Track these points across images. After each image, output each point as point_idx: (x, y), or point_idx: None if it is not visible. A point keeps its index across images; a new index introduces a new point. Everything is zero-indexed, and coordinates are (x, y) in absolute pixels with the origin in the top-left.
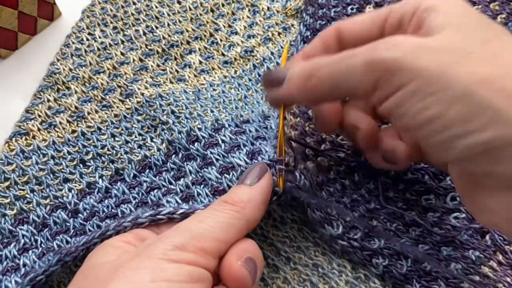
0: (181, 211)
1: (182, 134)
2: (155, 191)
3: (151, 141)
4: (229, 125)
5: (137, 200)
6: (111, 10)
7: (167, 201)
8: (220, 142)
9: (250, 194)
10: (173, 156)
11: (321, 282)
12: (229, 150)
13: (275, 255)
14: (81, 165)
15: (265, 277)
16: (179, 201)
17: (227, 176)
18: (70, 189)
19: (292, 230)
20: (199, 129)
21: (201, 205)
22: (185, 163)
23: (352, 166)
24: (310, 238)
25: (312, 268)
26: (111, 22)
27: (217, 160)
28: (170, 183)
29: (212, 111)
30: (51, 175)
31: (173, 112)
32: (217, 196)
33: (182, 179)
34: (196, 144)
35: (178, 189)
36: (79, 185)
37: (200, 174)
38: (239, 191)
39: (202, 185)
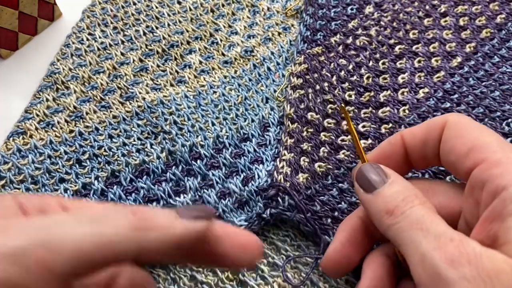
0: None
1: (185, 147)
2: (154, 203)
3: (151, 147)
4: (230, 144)
5: None
6: (112, 10)
7: None
8: (221, 164)
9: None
10: (173, 167)
11: (321, 281)
12: (228, 175)
13: (275, 253)
14: (77, 165)
15: (266, 276)
16: None
17: (223, 201)
18: (65, 190)
19: (292, 229)
20: (202, 146)
21: None
22: (186, 177)
23: (352, 167)
24: (310, 237)
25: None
26: (111, 22)
27: (217, 183)
28: (170, 196)
29: (213, 124)
30: (47, 175)
31: (175, 122)
32: None
33: (182, 195)
34: (198, 161)
35: (178, 206)
36: (75, 185)
37: (199, 194)
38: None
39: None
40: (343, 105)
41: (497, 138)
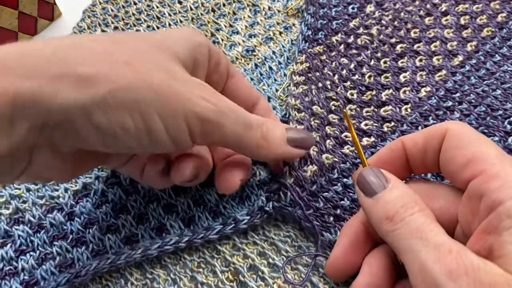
0: (186, 239)
1: None
2: (155, 203)
3: None
4: None
5: (136, 210)
6: (112, 10)
7: (171, 226)
8: None
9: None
10: None
11: (321, 282)
12: None
13: (276, 254)
14: None
15: (266, 277)
16: (182, 226)
17: (224, 197)
18: (66, 190)
19: (293, 229)
20: None
21: (201, 229)
22: None
23: (357, 163)
24: (311, 238)
25: (313, 268)
26: (112, 22)
27: None
28: (170, 196)
29: None
30: None
31: None
32: (216, 219)
33: (182, 195)
34: None
35: (179, 208)
36: (75, 185)
37: (200, 193)
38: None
39: (202, 207)
40: (345, 110)
41: (496, 150)
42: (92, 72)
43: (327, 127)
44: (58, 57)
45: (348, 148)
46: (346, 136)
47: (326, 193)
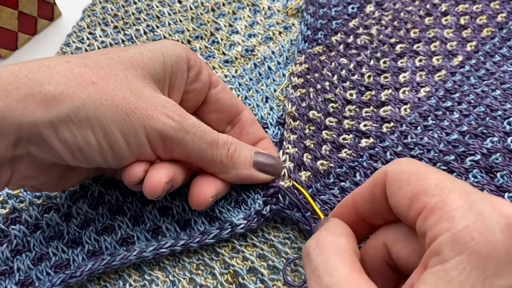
0: (181, 242)
1: None
2: (150, 205)
3: None
4: None
5: (132, 212)
6: (112, 10)
7: (167, 228)
8: None
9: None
10: None
11: None
12: None
13: (275, 256)
14: None
15: (266, 279)
16: (178, 229)
17: (220, 203)
18: (63, 190)
19: (293, 231)
20: None
21: (198, 233)
22: None
23: (354, 166)
24: None
25: None
26: (112, 22)
27: None
28: (165, 199)
29: None
30: None
31: None
32: (212, 223)
33: (177, 198)
34: None
35: (174, 210)
36: (73, 186)
37: None
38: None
39: (197, 211)
40: (294, 182)
41: (436, 178)
42: (57, 91)
43: (323, 132)
44: (29, 78)
45: (345, 152)
46: (344, 139)
47: (323, 196)
